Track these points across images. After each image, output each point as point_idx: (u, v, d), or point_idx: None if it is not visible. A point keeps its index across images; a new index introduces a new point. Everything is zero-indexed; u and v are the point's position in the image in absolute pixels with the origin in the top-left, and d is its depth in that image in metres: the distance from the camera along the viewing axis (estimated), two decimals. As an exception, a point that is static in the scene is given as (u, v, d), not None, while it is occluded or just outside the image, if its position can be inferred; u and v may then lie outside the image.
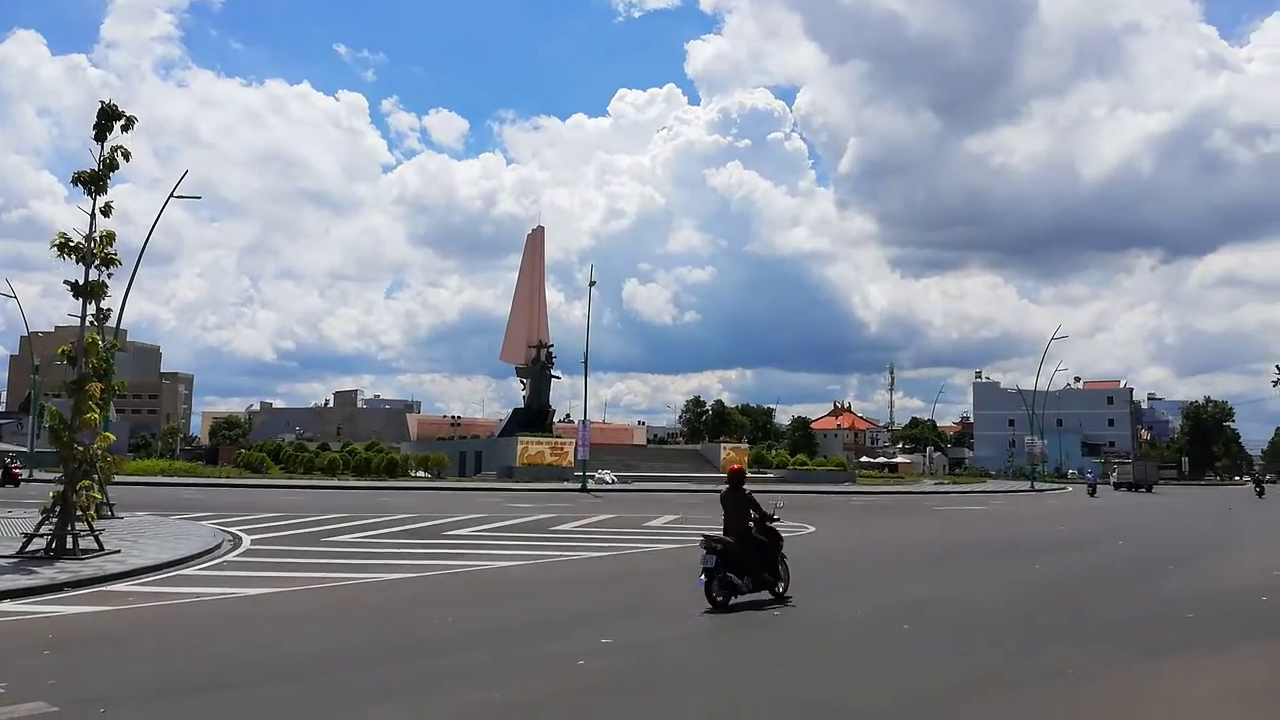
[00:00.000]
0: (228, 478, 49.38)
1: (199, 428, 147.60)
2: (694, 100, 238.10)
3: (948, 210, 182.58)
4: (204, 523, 20.22)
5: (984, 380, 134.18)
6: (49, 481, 19.22)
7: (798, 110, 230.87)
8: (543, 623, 9.86)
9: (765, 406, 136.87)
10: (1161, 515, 35.18)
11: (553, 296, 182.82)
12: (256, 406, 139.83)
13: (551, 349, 66.31)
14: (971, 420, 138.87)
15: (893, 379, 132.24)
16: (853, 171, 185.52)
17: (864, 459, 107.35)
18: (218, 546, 15.77)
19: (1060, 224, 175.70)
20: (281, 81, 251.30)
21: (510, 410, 71.35)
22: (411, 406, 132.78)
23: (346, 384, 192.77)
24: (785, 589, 11.13)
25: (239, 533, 18.47)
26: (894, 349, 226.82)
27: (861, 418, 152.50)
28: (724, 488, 11.56)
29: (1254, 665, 8.36)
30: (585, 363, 47.40)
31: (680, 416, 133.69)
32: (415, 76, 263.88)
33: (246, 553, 15.59)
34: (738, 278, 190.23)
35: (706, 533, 11.22)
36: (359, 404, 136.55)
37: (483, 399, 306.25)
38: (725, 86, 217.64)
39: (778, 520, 11.49)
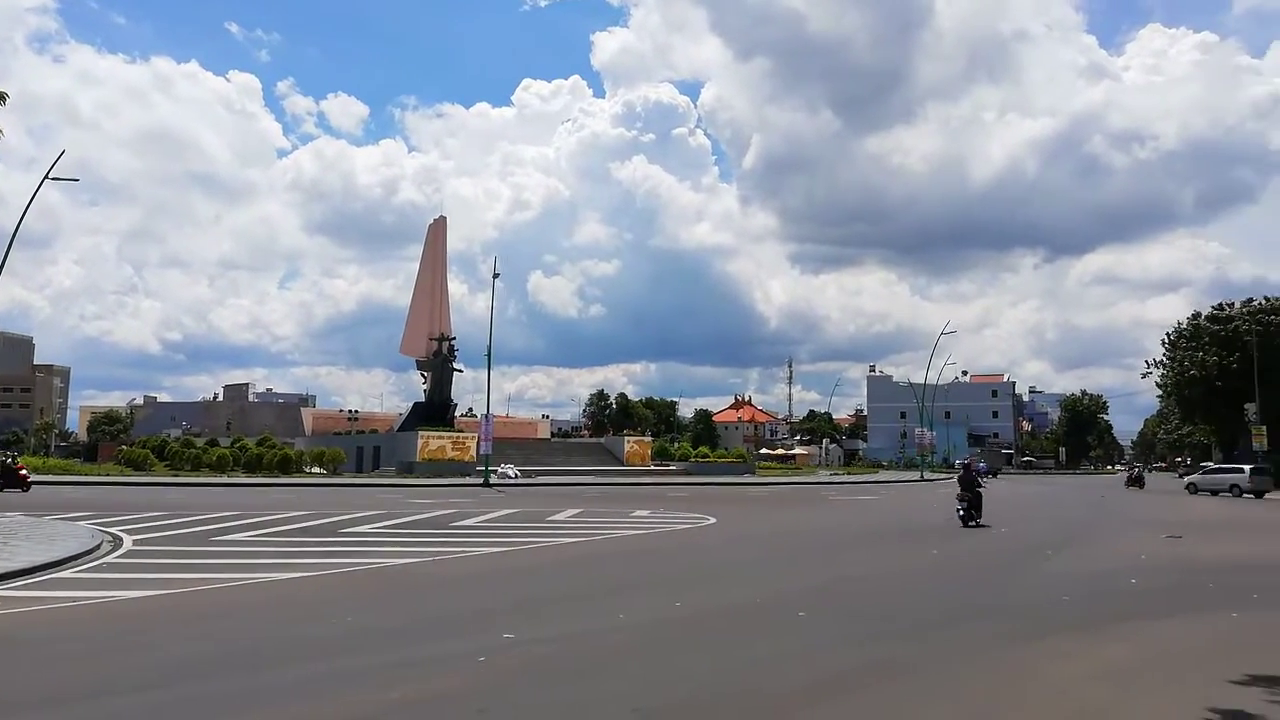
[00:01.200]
0: (108, 475, 46.93)
1: (76, 423, 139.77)
2: (599, 93, 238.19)
3: (846, 208, 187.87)
4: (81, 523, 19.16)
5: (878, 374, 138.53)
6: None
7: (702, 106, 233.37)
8: (443, 620, 9.72)
9: (669, 400, 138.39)
10: (1041, 502, 37.04)
11: (455, 288, 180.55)
12: (139, 401, 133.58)
13: (453, 341, 65.31)
14: (866, 412, 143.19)
15: (791, 373, 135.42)
16: (755, 168, 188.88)
17: (764, 451, 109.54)
18: (96, 548, 14.96)
19: (952, 223, 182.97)
20: (168, 59, 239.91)
21: (410, 404, 70.02)
22: (306, 400, 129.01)
23: (237, 377, 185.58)
24: None
25: (119, 533, 17.58)
26: (793, 343, 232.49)
27: (762, 410, 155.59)
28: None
29: (1123, 645, 8.88)
30: (489, 356, 46.90)
31: (584, 410, 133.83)
32: (312, 59, 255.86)
33: (128, 554, 14.86)
34: (643, 271, 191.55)
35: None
36: (250, 398, 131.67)
37: (382, 393, 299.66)
38: (630, 80, 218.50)
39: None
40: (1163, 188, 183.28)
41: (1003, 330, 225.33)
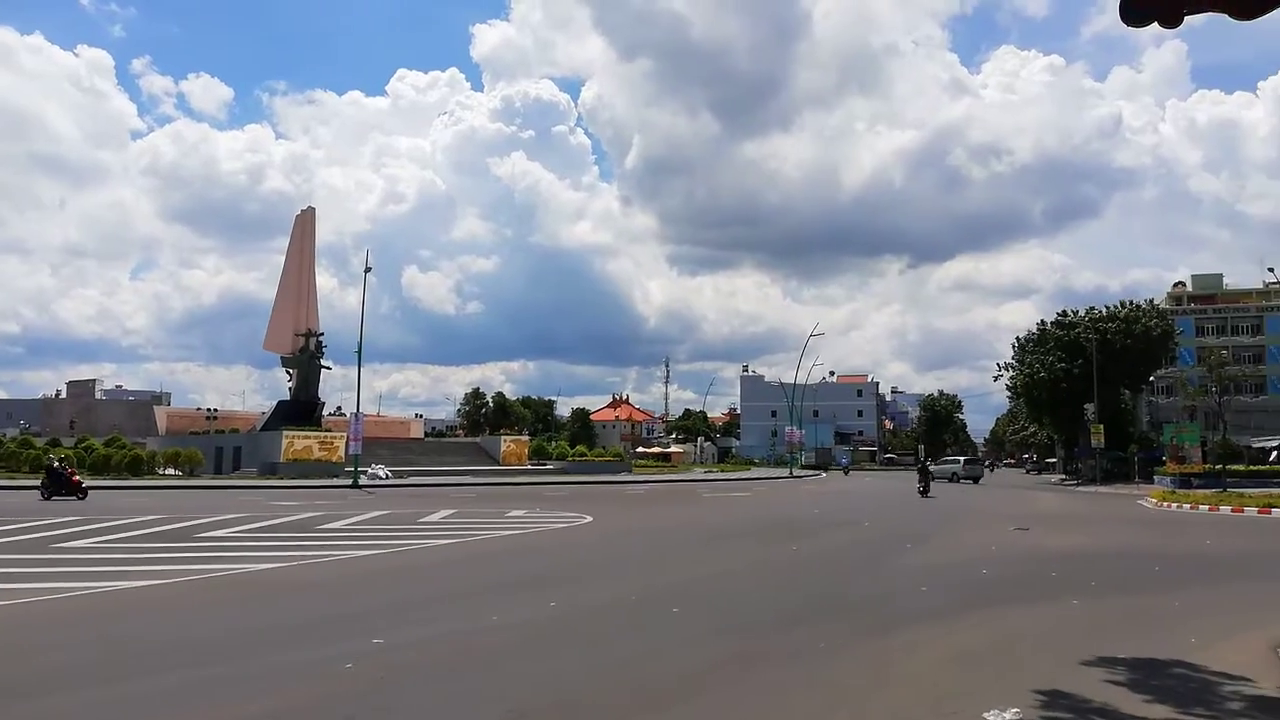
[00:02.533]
0: (-70, 479, 42.97)
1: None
2: (477, 86, 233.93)
3: (724, 212, 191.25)
4: (-102, 532, 17.49)
5: (750, 374, 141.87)
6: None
7: (583, 104, 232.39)
8: (310, 626, 9.37)
9: (546, 399, 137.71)
10: (900, 497, 38.77)
11: (324, 281, 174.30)
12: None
13: (321, 337, 62.96)
14: (739, 411, 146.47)
15: (668, 372, 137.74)
16: (636, 169, 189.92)
17: (640, 449, 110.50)
18: (-84, 558, 13.70)
19: (824, 229, 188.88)
20: (9, 29, 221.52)
21: (275, 402, 67.03)
22: (160, 398, 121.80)
23: (84, 372, 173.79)
24: None
25: (-56, 542, 16.16)
26: (671, 343, 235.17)
27: (639, 409, 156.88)
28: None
29: (975, 632, 9.40)
30: (359, 352, 45.48)
31: (460, 409, 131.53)
32: (172, 36, 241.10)
33: (-47, 564, 13.67)
34: (522, 269, 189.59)
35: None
36: (97, 395, 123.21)
37: (243, 390, 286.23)
38: (510, 74, 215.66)
39: None
40: (1016, 200, 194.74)
41: (868, 332, 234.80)
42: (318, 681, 7.06)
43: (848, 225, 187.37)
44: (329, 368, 63.63)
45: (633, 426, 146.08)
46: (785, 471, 72.10)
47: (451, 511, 25.58)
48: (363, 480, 44.18)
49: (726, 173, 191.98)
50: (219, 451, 59.69)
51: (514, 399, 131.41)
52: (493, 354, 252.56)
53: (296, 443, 54.96)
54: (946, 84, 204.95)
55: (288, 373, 63.20)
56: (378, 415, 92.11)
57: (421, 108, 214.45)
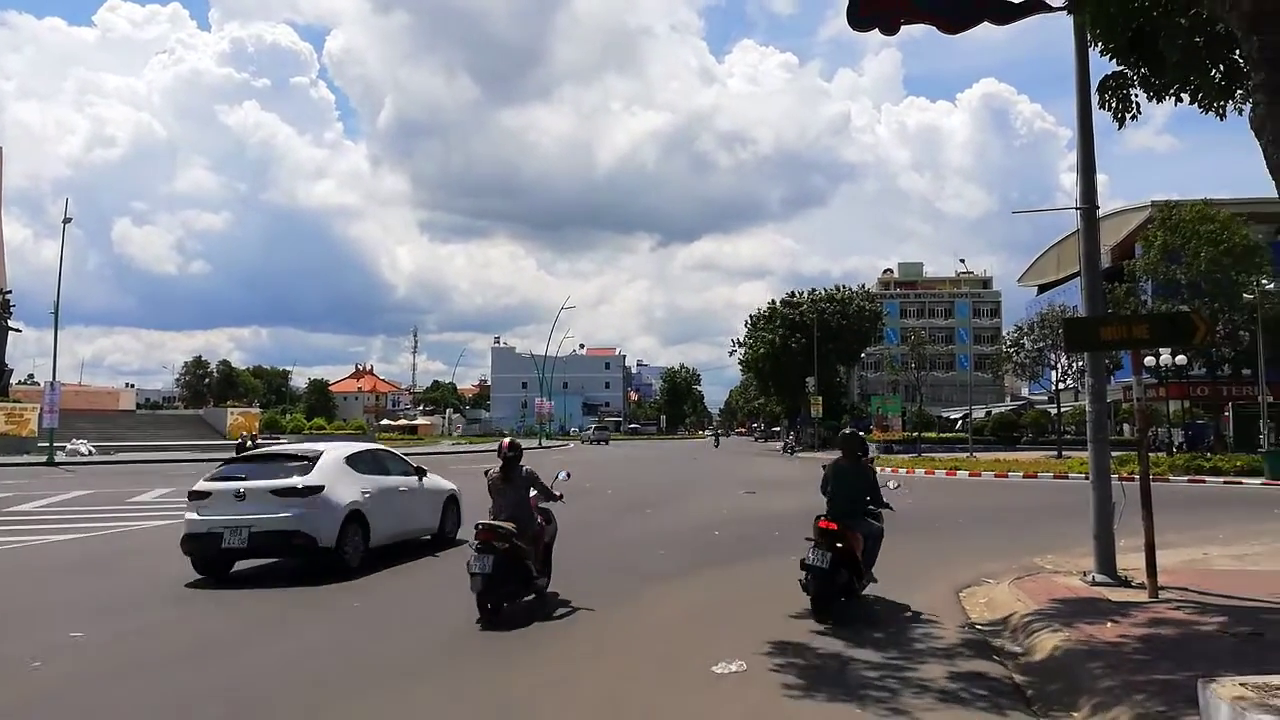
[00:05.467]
0: None
1: None
2: (203, 25, 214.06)
3: (480, 180, 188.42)
4: None
5: (502, 345, 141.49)
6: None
7: (328, 55, 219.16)
8: (-13, 623, 8.21)
9: (281, 368, 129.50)
10: (643, 465, 40.36)
11: (14, 232, 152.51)
12: None
13: (9, 295, 55.09)
14: (490, 383, 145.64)
15: (416, 342, 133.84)
16: (389, 129, 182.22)
17: (385, 421, 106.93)
18: None
19: (579, 203, 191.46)
20: None
21: (-52, 369, 57.95)
22: None
23: None
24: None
25: None
26: (421, 312, 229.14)
27: (384, 380, 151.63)
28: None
29: (707, 590, 10.02)
30: (56, 314, 40.20)
31: (180, 379, 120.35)
32: None
33: None
34: (256, 227, 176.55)
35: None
36: None
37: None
38: (243, 15, 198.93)
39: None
40: (757, 187, 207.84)
41: (618, 307, 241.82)
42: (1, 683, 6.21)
43: (602, 201, 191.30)
44: (18, 330, 55.99)
45: (377, 398, 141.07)
46: (535, 442, 72.72)
47: (168, 490, 23.35)
48: (61, 456, 39.33)
49: (484, 140, 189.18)
50: (-128, 426, 50.65)
51: (243, 368, 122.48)
52: (220, 319, 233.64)
53: (-24, 415, 47.85)
54: (697, 71, 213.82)
55: (-35, 335, 54.77)
56: (79, 384, 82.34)
57: (136, 43, 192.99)
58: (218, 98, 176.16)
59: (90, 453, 43.42)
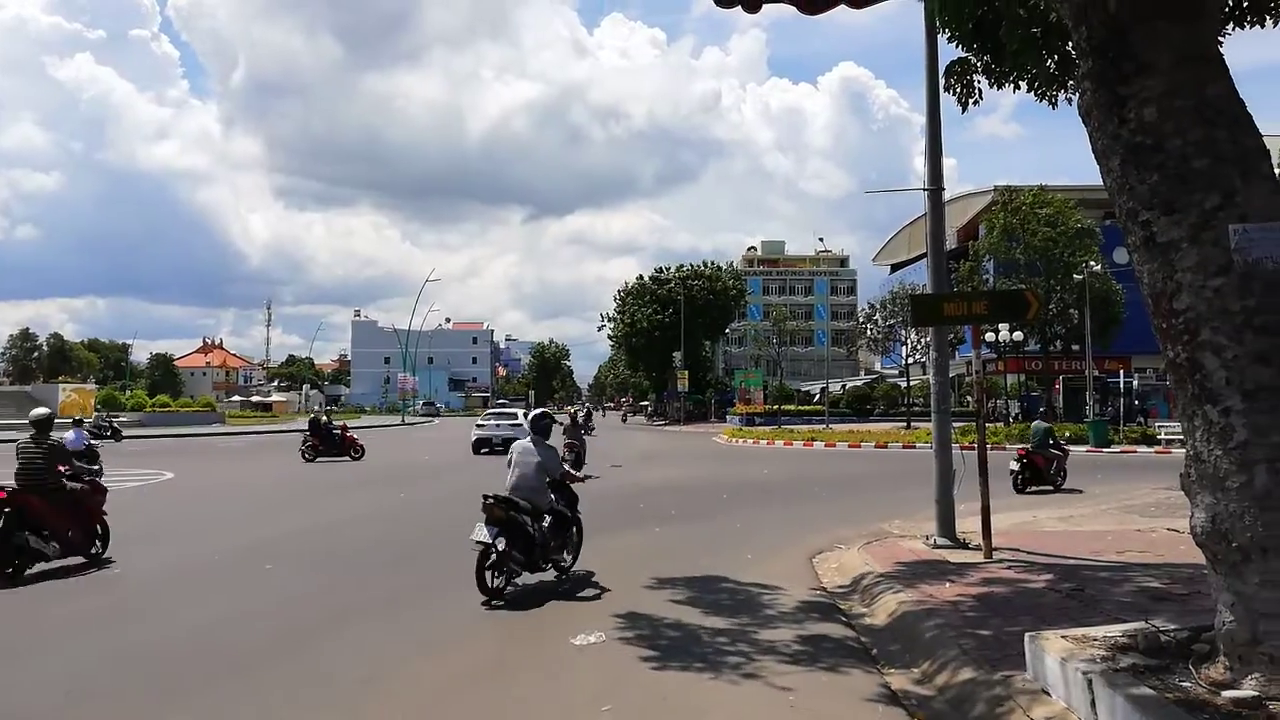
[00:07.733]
0: None
1: None
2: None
3: (343, 145, 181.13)
4: None
5: (363, 319, 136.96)
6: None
7: (173, 7, 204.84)
8: None
9: (121, 342, 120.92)
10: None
11: None
12: None
13: None
14: (350, 358, 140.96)
15: (271, 315, 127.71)
16: (242, 88, 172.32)
17: (236, 398, 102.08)
18: None
19: (448, 173, 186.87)
20: None
21: None
22: None
23: None
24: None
25: None
26: (276, 283, 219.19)
27: (235, 355, 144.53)
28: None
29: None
30: None
31: (4, 353, 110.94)
32: None
33: None
34: (91, 190, 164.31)
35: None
36: None
37: None
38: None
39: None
40: (630, 163, 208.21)
41: (487, 280, 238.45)
42: None
43: (472, 171, 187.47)
44: None
45: (228, 374, 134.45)
46: (398, 419, 70.85)
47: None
48: None
49: (348, 104, 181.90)
50: None
51: (77, 341, 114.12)
52: (51, 289, 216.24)
53: None
54: (570, 42, 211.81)
55: None
56: (-116, 359, 74.69)
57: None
58: (45, 49, 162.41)
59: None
